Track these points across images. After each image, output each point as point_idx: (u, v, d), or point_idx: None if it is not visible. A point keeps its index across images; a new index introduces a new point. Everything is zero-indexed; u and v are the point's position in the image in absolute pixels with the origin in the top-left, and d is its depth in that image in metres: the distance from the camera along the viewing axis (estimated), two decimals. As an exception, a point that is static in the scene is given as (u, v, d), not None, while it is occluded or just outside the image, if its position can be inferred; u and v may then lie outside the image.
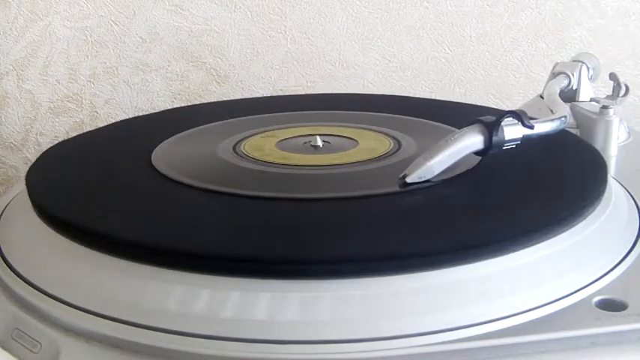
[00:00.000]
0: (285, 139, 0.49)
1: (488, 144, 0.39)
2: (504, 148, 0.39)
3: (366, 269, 0.31)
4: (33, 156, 0.77)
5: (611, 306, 0.31)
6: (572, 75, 0.55)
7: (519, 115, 0.39)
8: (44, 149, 0.48)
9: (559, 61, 0.59)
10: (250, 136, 0.50)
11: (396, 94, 0.76)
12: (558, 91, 0.52)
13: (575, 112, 0.53)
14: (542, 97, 0.55)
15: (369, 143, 0.47)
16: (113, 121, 0.75)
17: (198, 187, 0.40)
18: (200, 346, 0.29)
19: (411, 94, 0.78)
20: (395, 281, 0.30)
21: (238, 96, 0.78)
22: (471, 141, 0.39)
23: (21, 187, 0.43)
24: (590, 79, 0.56)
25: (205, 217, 0.36)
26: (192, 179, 0.41)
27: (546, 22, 0.77)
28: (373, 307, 0.30)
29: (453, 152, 0.39)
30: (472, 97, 0.79)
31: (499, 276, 0.32)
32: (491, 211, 0.36)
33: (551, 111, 0.45)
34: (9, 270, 0.36)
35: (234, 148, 0.47)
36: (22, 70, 0.76)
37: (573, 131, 0.52)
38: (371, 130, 0.50)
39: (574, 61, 0.56)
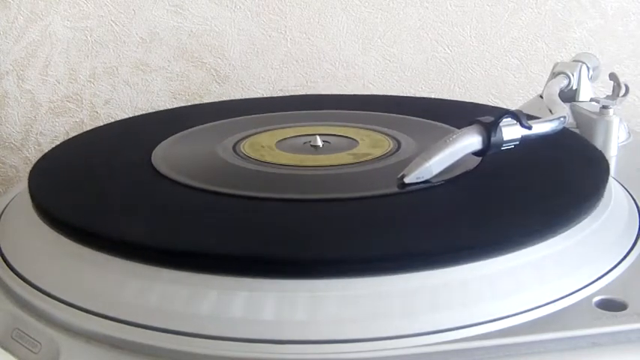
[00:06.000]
0: (285, 139, 0.49)
1: (487, 144, 0.39)
2: (503, 148, 0.39)
3: (366, 269, 0.31)
4: (33, 156, 0.78)
5: (611, 306, 0.31)
6: (572, 75, 0.55)
7: (517, 116, 0.39)
8: (44, 149, 0.49)
9: (559, 61, 0.59)
10: (250, 136, 0.50)
11: (396, 94, 0.77)
12: (558, 91, 0.52)
13: (575, 112, 0.53)
14: (542, 97, 0.55)
15: (369, 143, 0.47)
16: (113, 121, 0.75)
17: (198, 187, 0.40)
18: (200, 346, 0.29)
19: (411, 94, 0.78)
20: (394, 281, 0.30)
21: (238, 96, 0.78)
22: (470, 141, 0.39)
23: (21, 187, 0.43)
24: (591, 79, 0.56)
25: (205, 217, 0.36)
26: (192, 179, 0.41)
27: (546, 22, 0.77)
28: (373, 307, 0.30)
29: (451, 152, 0.39)
30: (472, 97, 0.79)
31: (499, 276, 0.32)
32: (491, 211, 0.36)
33: (550, 111, 0.45)
34: (9, 270, 0.36)
35: (234, 148, 0.47)
36: (22, 70, 0.76)
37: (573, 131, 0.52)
38: (371, 130, 0.51)
39: (574, 61, 0.56)
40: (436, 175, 0.39)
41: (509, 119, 0.39)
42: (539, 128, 0.40)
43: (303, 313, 0.30)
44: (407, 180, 0.38)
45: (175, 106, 0.76)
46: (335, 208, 0.37)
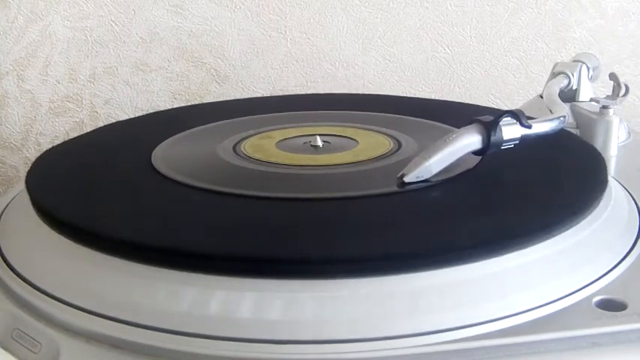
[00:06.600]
0: (285, 139, 0.49)
1: (487, 144, 0.39)
2: (503, 147, 0.39)
3: (366, 269, 0.31)
4: (33, 156, 0.78)
5: (611, 306, 0.31)
6: (572, 75, 0.55)
7: (517, 115, 0.39)
8: (44, 149, 0.49)
9: (559, 61, 0.59)
10: (250, 136, 0.50)
11: (396, 94, 0.77)
12: (558, 91, 0.52)
13: (575, 112, 0.53)
14: (542, 97, 0.55)
15: (369, 143, 0.47)
16: (113, 121, 0.75)
17: (199, 187, 0.40)
18: (200, 346, 0.29)
19: (411, 94, 0.78)
20: (394, 281, 0.30)
21: (238, 96, 0.78)
22: (469, 140, 0.39)
23: (21, 187, 0.43)
24: (591, 79, 0.56)
25: (205, 217, 0.36)
26: (193, 179, 0.41)
27: (546, 22, 0.77)
28: (373, 307, 0.30)
29: (451, 152, 0.39)
30: (472, 97, 0.79)
31: (499, 276, 0.32)
32: (491, 211, 0.36)
33: (550, 111, 0.45)
34: (9, 270, 0.36)
35: (234, 148, 0.47)
36: (22, 70, 0.76)
37: (573, 131, 0.52)
38: (371, 130, 0.51)
39: (574, 61, 0.56)
40: (436, 175, 0.39)
41: (509, 118, 0.39)
42: (539, 128, 0.40)
43: (303, 314, 0.30)
44: (407, 179, 0.38)
45: (175, 106, 0.76)
46: (335, 207, 0.37)
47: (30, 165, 0.44)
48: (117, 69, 0.77)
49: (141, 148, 0.47)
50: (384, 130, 0.50)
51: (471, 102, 0.75)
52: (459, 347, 0.29)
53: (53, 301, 0.33)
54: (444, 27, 0.78)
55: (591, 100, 0.54)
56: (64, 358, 0.30)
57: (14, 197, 0.44)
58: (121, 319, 0.31)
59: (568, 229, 0.35)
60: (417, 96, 0.78)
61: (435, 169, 0.39)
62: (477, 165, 0.41)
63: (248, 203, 0.38)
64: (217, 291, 0.30)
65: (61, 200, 0.39)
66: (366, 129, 0.51)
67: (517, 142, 0.40)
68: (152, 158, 0.45)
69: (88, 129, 0.75)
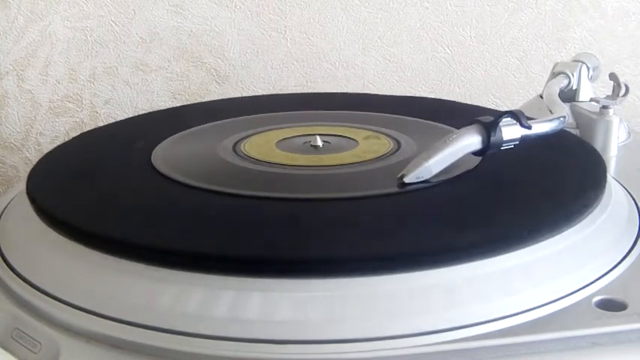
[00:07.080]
0: (285, 139, 0.49)
1: (487, 144, 0.39)
2: (503, 148, 0.39)
3: (365, 269, 0.31)
4: (33, 156, 0.78)
5: (611, 306, 0.31)
6: (572, 75, 0.55)
7: (517, 116, 0.39)
8: (44, 149, 0.49)
9: (559, 61, 0.59)
10: (250, 135, 0.50)
11: (396, 94, 0.77)
12: (558, 91, 0.52)
13: (575, 112, 0.53)
14: (542, 97, 0.55)
15: (369, 143, 0.47)
16: (113, 121, 0.75)
17: (199, 187, 0.40)
18: (200, 346, 0.29)
19: (411, 94, 0.78)
20: (394, 281, 0.30)
21: (238, 96, 0.78)
22: (469, 141, 0.39)
23: (21, 187, 0.43)
24: (591, 79, 0.56)
25: (205, 217, 0.36)
26: (192, 179, 0.41)
27: (546, 22, 0.77)
28: (373, 307, 0.30)
29: (451, 152, 0.39)
30: (472, 97, 0.79)
31: (499, 276, 0.32)
32: (491, 211, 0.36)
33: (550, 111, 0.45)
34: (9, 270, 0.36)
35: (234, 148, 0.47)
36: (22, 70, 0.76)
37: (573, 131, 0.52)
38: (371, 130, 0.51)
39: (574, 61, 0.56)
40: (436, 175, 0.39)
41: (509, 119, 0.39)
42: (539, 128, 0.40)
43: (302, 313, 0.30)
44: (407, 180, 0.38)
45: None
46: (335, 207, 0.37)
47: (30, 165, 0.44)
48: (117, 69, 0.77)
49: (141, 147, 0.47)
50: (383, 130, 0.50)
51: (471, 102, 0.75)
52: (459, 347, 0.29)
53: (53, 301, 0.33)
54: (444, 27, 0.78)
55: (591, 100, 0.54)
56: (64, 358, 0.30)
57: (14, 197, 0.44)
58: (121, 319, 0.31)
59: (568, 229, 0.35)
60: (416, 96, 0.78)
61: (435, 170, 0.39)
62: (477, 165, 0.41)
63: (248, 203, 0.38)
64: (217, 291, 0.30)
65: (61, 200, 0.39)
66: (365, 129, 0.51)
67: (517, 142, 0.40)
68: (152, 158, 0.45)
69: (88, 129, 0.75)
